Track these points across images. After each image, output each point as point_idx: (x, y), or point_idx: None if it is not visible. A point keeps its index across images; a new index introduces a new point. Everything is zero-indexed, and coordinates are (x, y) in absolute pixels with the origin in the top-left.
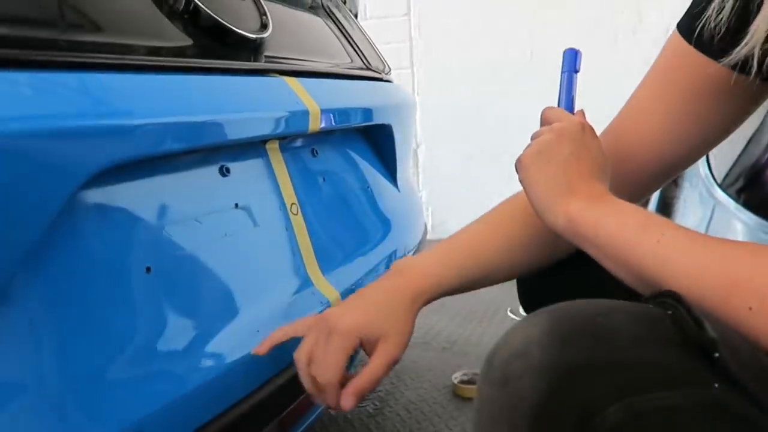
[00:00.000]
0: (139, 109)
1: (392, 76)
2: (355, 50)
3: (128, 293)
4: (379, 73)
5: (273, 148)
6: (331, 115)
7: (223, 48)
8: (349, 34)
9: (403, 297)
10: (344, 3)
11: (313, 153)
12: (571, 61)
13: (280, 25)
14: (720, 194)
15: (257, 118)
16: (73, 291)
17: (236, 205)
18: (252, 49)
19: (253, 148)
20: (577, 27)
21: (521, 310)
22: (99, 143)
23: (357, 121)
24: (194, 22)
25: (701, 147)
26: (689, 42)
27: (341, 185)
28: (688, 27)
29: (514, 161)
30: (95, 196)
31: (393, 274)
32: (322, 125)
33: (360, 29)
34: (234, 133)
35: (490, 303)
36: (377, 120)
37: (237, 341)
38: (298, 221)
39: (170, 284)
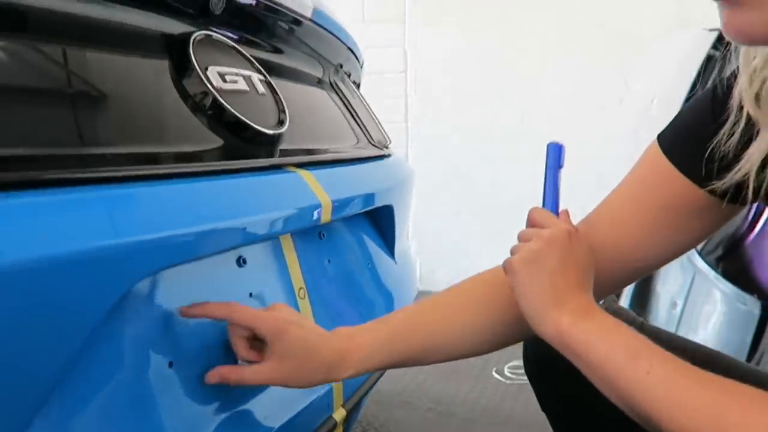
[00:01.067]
0: (167, 221)
1: (391, 148)
2: (359, 126)
3: (151, 389)
4: (381, 149)
5: (286, 237)
6: (341, 205)
7: (242, 144)
8: (353, 109)
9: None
10: (349, 76)
11: (320, 236)
12: (555, 156)
13: (292, 107)
14: (700, 263)
15: (276, 218)
16: (105, 396)
17: (250, 294)
18: (270, 143)
19: (269, 239)
20: (566, 94)
21: (506, 371)
22: (128, 262)
23: (363, 208)
24: (217, 119)
25: (675, 253)
26: (672, 161)
27: (344, 265)
28: (670, 146)
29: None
30: (126, 306)
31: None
32: (333, 216)
33: (363, 102)
34: (254, 232)
35: (476, 360)
36: (381, 203)
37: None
38: (304, 305)
39: (190, 376)
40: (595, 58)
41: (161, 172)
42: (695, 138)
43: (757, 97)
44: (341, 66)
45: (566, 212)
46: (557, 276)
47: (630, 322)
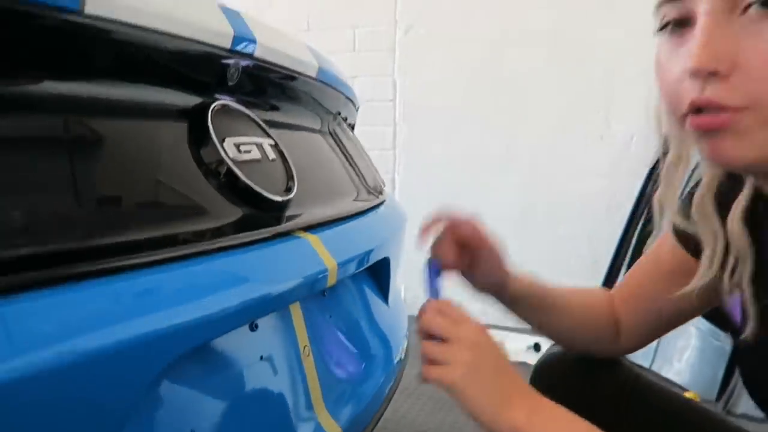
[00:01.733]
0: (184, 307)
1: (385, 192)
2: (357, 175)
3: None
4: (377, 196)
5: (295, 302)
6: (345, 266)
7: (255, 213)
8: (350, 156)
9: None
10: (345, 120)
11: (323, 293)
12: (434, 272)
13: (297, 167)
14: None
15: (288, 288)
16: None
17: (261, 357)
18: (280, 210)
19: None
20: (551, 128)
21: None
22: (153, 349)
23: (363, 266)
24: (233, 190)
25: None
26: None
27: (344, 317)
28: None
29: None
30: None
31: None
32: (337, 278)
33: (358, 146)
34: (268, 306)
35: None
36: (379, 257)
37: None
38: (309, 362)
39: None
40: (578, 95)
41: (177, 254)
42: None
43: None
44: (339, 113)
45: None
46: (498, 377)
47: (628, 371)
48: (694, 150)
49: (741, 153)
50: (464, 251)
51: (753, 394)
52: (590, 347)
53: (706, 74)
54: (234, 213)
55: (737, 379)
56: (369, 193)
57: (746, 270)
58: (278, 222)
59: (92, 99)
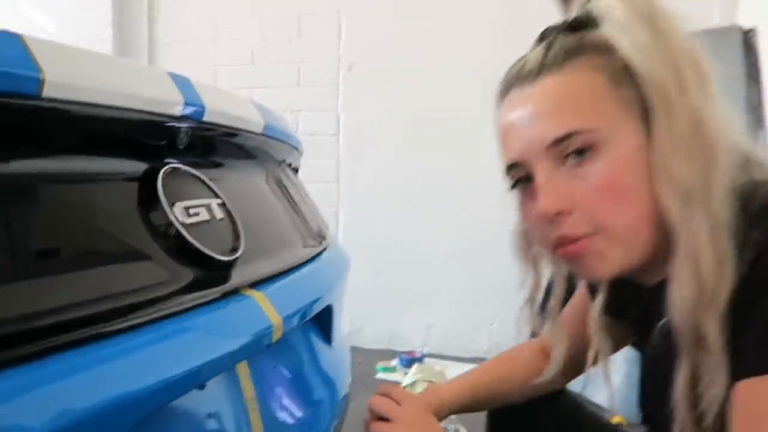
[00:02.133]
0: (136, 377)
1: (329, 235)
2: (302, 222)
3: None
4: (321, 242)
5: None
6: (290, 321)
7: (203, 274)
8: (295, 203)
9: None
10: (290, 165)
11: (268, 345)
12: None
13: (244, 222)
14: None
15: (236, 349)
16: None
17: (208, 414)
18: (227, 269)
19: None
20: (488, 167)
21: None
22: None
23: (308, 317)
24: (181, 253)
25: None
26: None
27: (289, 365)
28: (593, 289)
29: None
30: None
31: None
32: (283, 333)
33: (302, 192)
34: (216, 369)
35: None
36: (323, 305)
37: None
38: (255, 415)
39: None
40: None
41: (125, 324)
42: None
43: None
44: (284, 160)
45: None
46: None
47: (570, 401)
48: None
49: (604, 269)
50: None
51: (641, 407)
52: (535, 393)
53: (554, 215)
54: (183, 276)
55: None
56: (313, 239)
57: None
58: (225, 281)
59: (46, 172)
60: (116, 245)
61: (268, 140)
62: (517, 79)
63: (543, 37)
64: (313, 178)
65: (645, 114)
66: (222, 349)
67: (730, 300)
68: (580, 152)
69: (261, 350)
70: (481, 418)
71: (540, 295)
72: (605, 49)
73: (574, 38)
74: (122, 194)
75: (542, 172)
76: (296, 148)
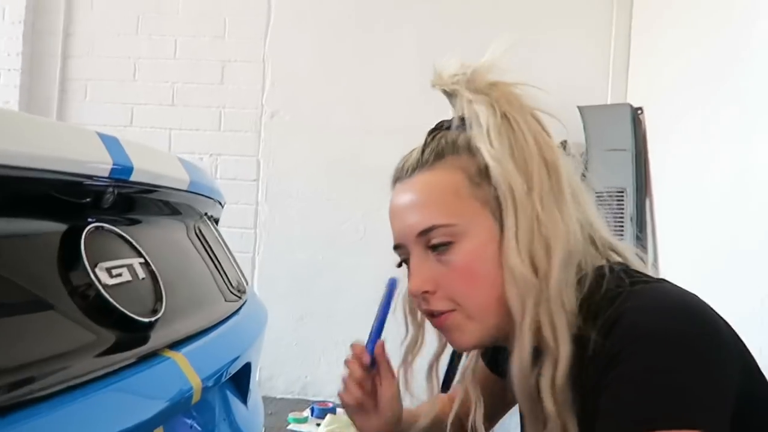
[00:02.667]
0: None
1: (248, 289)
2: (221, 276)
3: None
4: (240, 296)
5: None
6: (209, 381)
7: (124, 337)
8: (215, 256)
9: None
10: (211, 217)
11: (187, 408)
12: (391, 291)
13: (165, 281)
14: None
15: (154, 415)
16: None
17: None
18: (148, 330)
19: None
20: None
21: None
22: None
23: (227, 376)
24: (100, 313)
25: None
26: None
27: (205, 425)
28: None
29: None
30: None
31: None
32: (201, 395)
33: (222, 244)
34: None
35: None
36: (242, 363)
37: None
38: None
39: None
40: None
41: (42, 393)
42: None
43: None
44: (206, 213)
45: (382, 343)
46: None
47: None
48: None
49: (464, 340)
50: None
51: None
52: None
53: (421, 294)
54: (104, 339)
55: None
56: (233, 293)
57: None
58: (146, 343)
59: None
60: (35, 307)
61: (193, 196)
62: (402, 171)
63: (431, 131)
64: (230, 223)
65: (500, 211)
66: (142, 415)
67: (589, 371)
68: (442, 242)
69: (180, 413)
70: None
71: (417, 354)
72: (469, 151)
73: (449, 138)
74: (43, 255)
75: (414, 257)
76: (219, 202)
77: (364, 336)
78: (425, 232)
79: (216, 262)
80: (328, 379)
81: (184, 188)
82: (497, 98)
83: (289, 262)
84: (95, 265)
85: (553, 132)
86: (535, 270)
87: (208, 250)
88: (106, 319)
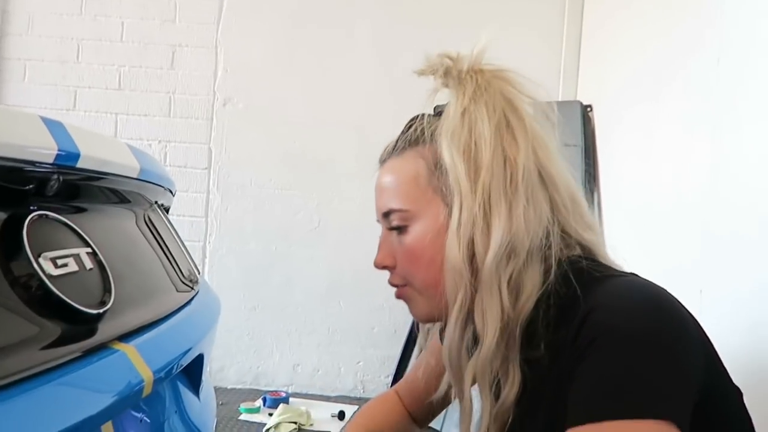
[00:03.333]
0: None
1: (200, 279)
2: (173, 266)
3: None
4: (193, 287)
5: None
6: (160, 373)
7: (70, 329)
8: (166, 246)
9: None
10: (161, 206)
11: (137, 401)
12: None
13: (114, 271)
14: None
15: (102, 409)
16: None
17: None
18: (96, 322)
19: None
20: (357, 209)
21: None
22: None
23: (179, 368)
24: (43, 305)
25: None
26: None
27: (155, 418)
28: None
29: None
30: None
31: None
32: (153, 388)
33: (173, 233)
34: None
35: None
36: (194, 354)
37: None
38: None
39: None
40: None
41: None
42: None
43: None
44: (156, 201)
45: None
46: None
47: None
48: None
49: (416, 311)
50: None
51: None
52: None
53: (382, 268)
54: (49, 332)
55: None
56: (185, 284)
57: None
58: (94, 335)
59: None
60: None
61: (143, 184)
62: (383, 155)
63: (410, 120)
64: (181, 212)
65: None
66: (90, 410)
67: (562, 358)
68: (399, 225)
69: (130, 406)
70: None
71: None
72: (432, 141)
73: (420, 127)
74: None
75: (382, 234)
76: (170, 190)
77: (316, 326)
78: (386, 214)
79: (167, 252)
80: (281, 369)
81: (134, 176)
82: (478, 86)
83: (242, 253)
84: (39, 255)
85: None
86: (473, 259)
87: (159, 239)
88: (51, 311)
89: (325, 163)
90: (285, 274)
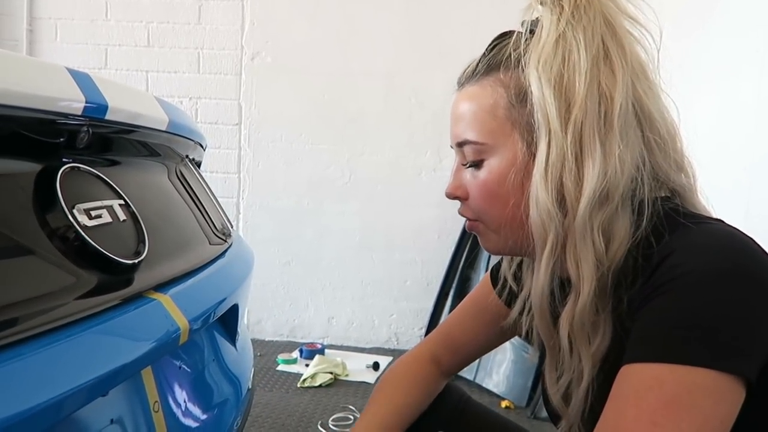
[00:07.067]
0: (38, 389)
1: (233, 233)
2: (206, 220)
3: None
4: (226, 240)
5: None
6: (197, 323)
7: (107, 278)
8: (198, 199)
9: None
10: (192, 160)
11: (174, 349)
12: None
13: (147, 223)
14: None
15: (140, 355)
16: None
17: (111, 420)
18: (132, 272)
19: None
20: (387, 162)
21: (330, 424)
22: None
23: (214, 318)
24: (82, 257)
25: (494, 345)
26: (493, 287)
27: (194, 366)
28: (494, 274)
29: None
30: None
31: None
32: (189, 336)
33: (205, 187)
34: (120, 377)
35: (302, 414)
36: (228, 305)
37: None
38: (158, 418)
39: None
40: (413, 130)
41: (25, 334)
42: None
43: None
44: (187, 156)
45: None
46: None
47: (460, 395)
48: None
49: (488, 246)
50: None
51: (545, 405)
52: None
53: (453, 198)
54: (86, 281)
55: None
56: (218, 237)
57: None
58: (130, 285)
59: None
60: (12, 250)
61: (172, 137)
62: (460, 78)
63: (495, 39)
64: (214, 168)
65: (533, 137)
66: (128, 356)
67: (632, 296)
68: (473, 158)
69: (167, 353)
70: None
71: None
72: (518, 68)
73: (506, 50)
74: (17, 196)
75: (456, 163)
76: (200, 144)
77: (349, 280)
78: (460, 145)
79: (199, 205)
80: (316, 322)
81: (163, 128)
82: (576, 7)
83: (274, 208)
84: (73, 207)
85: None
86: (562, 202)
87: (191, 192)
88: (88, 262)
89: (355, 116)
90: (317, 228)
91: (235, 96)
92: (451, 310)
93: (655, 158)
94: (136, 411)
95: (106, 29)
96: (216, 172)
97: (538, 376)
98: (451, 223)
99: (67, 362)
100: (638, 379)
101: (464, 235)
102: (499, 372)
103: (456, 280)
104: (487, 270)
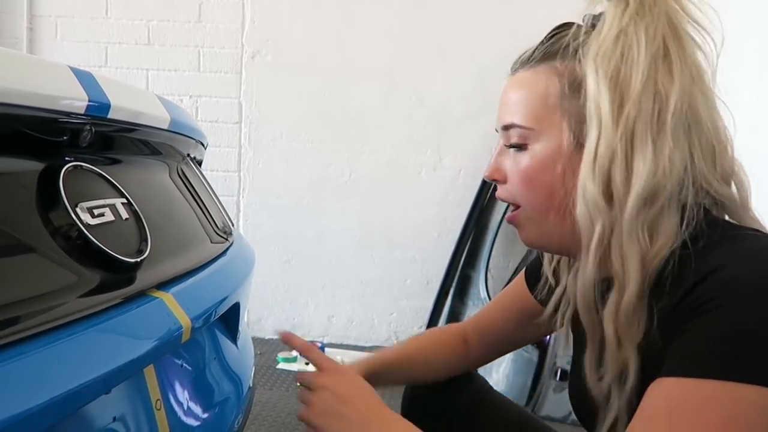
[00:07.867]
0: (38, 390)
1: (234, 231)
2: (207, 218)
3: None
4: (227, 238)
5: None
6: (200, 321)
7: (109, 277)
8: (200, 197)
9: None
10: (194, 159)
11: (176, 347)
12: None
13: (150, 222)
14: None
15: (143, 354)
16: None
17: (114, 418)
18: (134, 270)
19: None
20: (388, 160)
21: None
22: None
23: (216, 316)
24: (85, 255)
25: (527, 341)
26: (528, 285)
27: (195, 364)
28: (530, 274)
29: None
30: None
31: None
32: (191, 335)
33: (206, 185)
34: (122, 376)
35: None
36: (230, 304)
37: None
38: (160, 416)
39: None
40: (413, 130)
41: (27, 333)
42: (539, 272)
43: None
44: (189, 154)
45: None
46: (354, 407)
47: (480, 384)
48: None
49: (525, 237)
50: None
51: (577, 406)
52: (447, 375)
53: (491, 180)
54: (88, 280)
55: (542, 386)
56: (219, 235)
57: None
58: (132, 283)
59: None
60: (15, 248)
61: (174, 136)
62: (515, 64)
63: (555, 28)
64: (214, 167)
65: (583, 128)
66: (130, 354)
67: (670, 310)
68: (517, 143)
69: (170, 352)
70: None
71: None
72: (575, 58)
73: (565, 40)
74: (19, 194)
75: (499, 145)
76: (201, 142)
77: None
78: (506, 128)
79: (200, 204)
80: (316, 320)
81: (165, 127)
82: (641, 4)
83: (275, 206)
84: (76, 205)
85: None
86: (610, 196)
87: (192, 191)
88: (90, 260)
89: (355, 115)
90: (317, 227)
91: (235, 94)
92: (450, 308)
93: (700, 165)
94: (139, 409)
95: (106, 27)
96: (216, 171)
97: (538, 375)
98: (451, 221)
99: (70, 360)
100: (684, 396)
101: (464, 233)
102: (498, 371)
103: (456, 278)
104: (486, 269)
